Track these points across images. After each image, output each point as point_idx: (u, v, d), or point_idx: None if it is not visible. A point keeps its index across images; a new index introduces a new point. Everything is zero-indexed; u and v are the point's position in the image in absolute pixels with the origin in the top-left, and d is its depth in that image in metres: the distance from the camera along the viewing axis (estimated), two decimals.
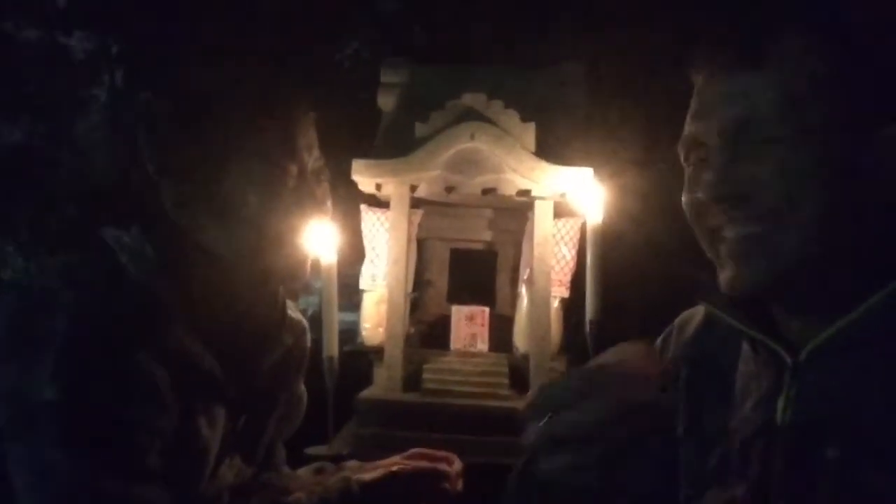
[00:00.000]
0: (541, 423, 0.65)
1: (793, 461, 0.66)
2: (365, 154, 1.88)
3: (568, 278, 1.96)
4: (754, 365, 0.74)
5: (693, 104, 0.73)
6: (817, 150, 0.65)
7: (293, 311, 1.15)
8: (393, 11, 5.41)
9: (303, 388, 1.19)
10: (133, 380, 0.88)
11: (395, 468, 1.12)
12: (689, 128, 0.73)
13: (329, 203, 1.05)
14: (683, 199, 0.75)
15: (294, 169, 0.98)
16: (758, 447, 0.70)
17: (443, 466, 1.16)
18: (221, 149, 0.97)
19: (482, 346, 1.98)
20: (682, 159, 0.76)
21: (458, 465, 1.19)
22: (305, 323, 1.18)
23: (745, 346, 0.76)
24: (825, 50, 0.66)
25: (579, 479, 0.65)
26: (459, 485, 1.17)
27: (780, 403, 0.69)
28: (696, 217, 0.72)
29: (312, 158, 1.01)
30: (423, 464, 1.16)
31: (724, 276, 0.70)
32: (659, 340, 0.88)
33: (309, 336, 1.18)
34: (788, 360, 0.68)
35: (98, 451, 0.85)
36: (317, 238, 1.06)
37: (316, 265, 1.19)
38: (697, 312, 0.85)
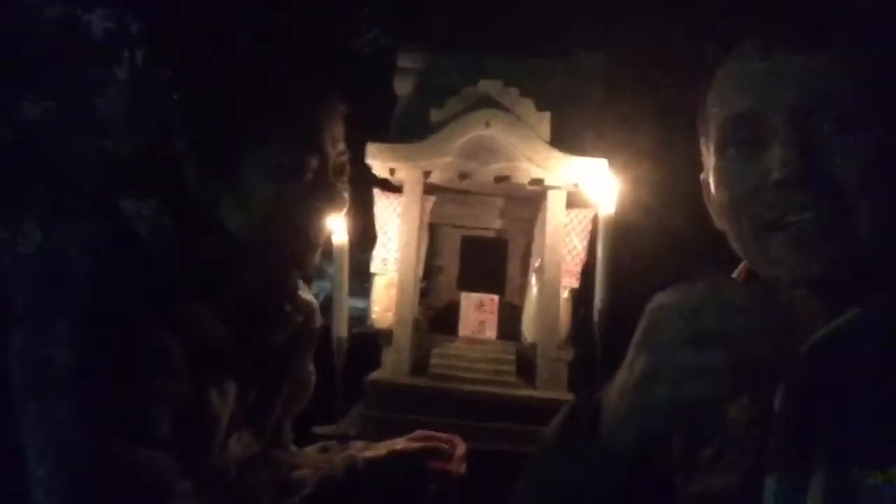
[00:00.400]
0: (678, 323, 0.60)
1: (788, 453, 0.66)
2: (380, 138, 1.88)
3: (578, 269, 1.96)
4: None
5: (736, 82, 0.70)
6: (889, 141, 0.63)
7: (304, 293, 1.17)
8: None
9: (311, 367, 1.20)
10: (147, 347, 0.89)
11: (398, 447, 1.14)
12: (736, 106, 0.70)
13: (346, 198, 1.06)
14: (721, 185, 0.72)
15: (314, 161, 0.98)
16: (754, 437, 0.70)
17: (446, 448, 1.18)
18: (247, 132, 0.98)
19: (490, 333, 1.99)
20: (718, 139, 0.72)
21: (461, 447, 1.20)
22: (316, 304, 1.19)
23: None
24: None
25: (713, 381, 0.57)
26: (462, 467, 1.18)
27: (779, 395, 0.69)
28: (743, 204, 0.69)
29: (336, 153, 1.02)
30: (427, 444, 1.18)
31: (790, 264, 0.66)
32: None
33: (319, 317, 1.19)
34: (783, 363, 0.68)
35: (110, 416, 0.86)
36: (330, 224, 1.07)
37: (328, 249, 1.20)
38: None
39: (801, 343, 0.65)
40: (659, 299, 0.62)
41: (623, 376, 0.65)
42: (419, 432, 1.22)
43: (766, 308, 0.58)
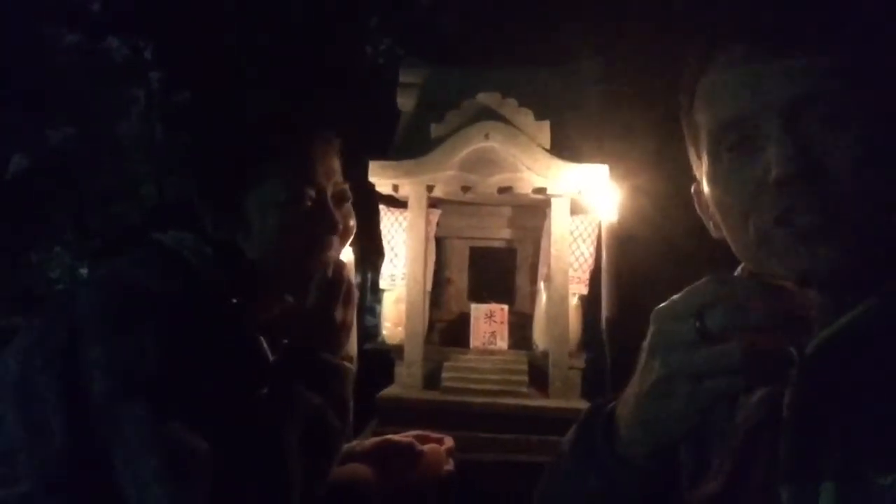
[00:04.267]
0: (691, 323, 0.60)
1: (797, 455, 0.66)
2: (383, 155, 1.90)
3: (587, 275, 1.96)
4: None
5: (722, 87, 0.71)
6: (880, 134, 0.64)
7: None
8: (425, 8, 5.44)
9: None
10: (212, 353, 0.99)
11: (389, 436, 1.18)
12: (725, 110, 0.70)
13: (352, 225, 1.13)
14: (721, 189, 0.72)
15: (311, 192, 1.07)
16: (764, 439, 0.70)
17: (435, 444, 1.21)
18: (246, 174, 1.09)
19: (502, 343, 1.99)
20: (710, 144, 0.73)
21: (448, 441, 1.26)
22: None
23: None
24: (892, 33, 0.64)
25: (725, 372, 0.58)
26: (450, 463, 1.25)
27: (787, 397, 0.69)
28: (748, 205, 0.69)
29: (332, 184, 1.10)
30: (418, 434, 1.25)
31: (798, 261, 0.67)
32: None
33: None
34: (795, 351, 0.68)
35: (190, 415, 0.94)
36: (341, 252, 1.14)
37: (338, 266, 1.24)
38: None
39: (808, 340, 0.65)
40: (664, 304, 0.63)
41: (636, 383, 0.66)
42: (412, 432, 1.28)
43: (771, 304, 0.58)
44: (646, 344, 0.64)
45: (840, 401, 0.64)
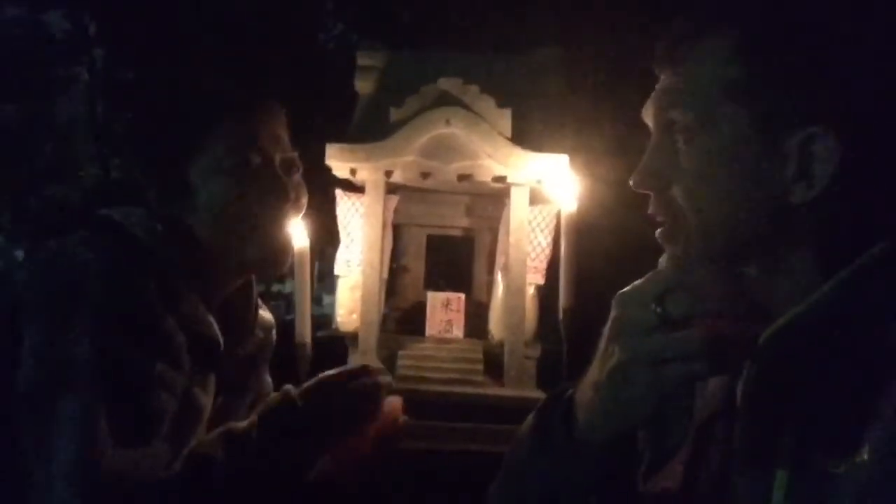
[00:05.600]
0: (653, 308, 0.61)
1: (751, 443, 0.67)
2: (340, 138, 1.86)
3: (544, 265, 1.96)
4: None
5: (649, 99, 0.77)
6: (726, 149, 0.67)
7: (264, 311, 1.23)
8: None
9: (269, 379, 1.25)
10: (161, 342, 0.94)
11: (328, 373, 1.13)
12: (647, 122, 0.76)
13: (304, 194, 1.09)
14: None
15: (256, 158, 1.03)
16: (720, 428, 0.71)
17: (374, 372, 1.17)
18: (188, 143, 1.04)
19: (458, 332, 1.98)
20: None
21: (386, 378, 1.17)
22: (273, 321, 1.25)
23: None
24: (738, 54, 0.68)
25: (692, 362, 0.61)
26: (387, 398, 1.16)
27: (740, 387, 0.70)
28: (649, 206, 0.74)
29: (280, 150, 1.06)
30: (354, 368, 1.17)
31: (664, 259, 0.73)
32: None
33: (275, 334, 1.24)
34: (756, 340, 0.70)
35: (125, 409, 0.88)
36: (291, 227, 1.09)
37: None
38: None
39: (764, 328, 0.67)
40: (625, 290, 0.65)
41: (596, 370, 0.67)
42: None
43: (732, 291, 0.62)
44: (606, 329, 0.66)
45: (793, 389, 0.66)
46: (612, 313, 0.65)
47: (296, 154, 1.12)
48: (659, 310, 0.61)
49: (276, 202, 1.06)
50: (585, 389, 0.69)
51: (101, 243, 0.98)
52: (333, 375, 1.12)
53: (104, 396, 0.87)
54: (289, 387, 1.10)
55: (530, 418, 0.79)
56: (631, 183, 0.72)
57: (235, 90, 1.09)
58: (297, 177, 1.11)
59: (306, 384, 1.12)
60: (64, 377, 0.87)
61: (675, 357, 0.60)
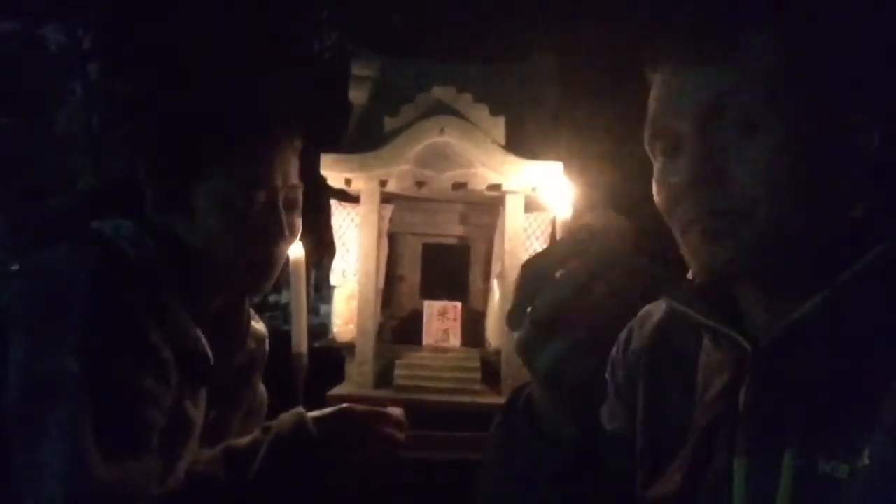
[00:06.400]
0: (526, 314, 0.61)
1: (754, 449, 0.67)
2: (335, 148, 1.86)
3: None
4: (717, 356, 0.75)
5: (658, 96, 0.73)
6: (791, 138, 0.65)
7: (256, 322, 1.22)
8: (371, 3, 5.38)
9: (263, 389, 1.24)
10: (148, 357, 0.93)
11: (346, 406, 1.13)
12: (657, 119, 0.73)
13: (298, 230, 1.09)
14: (655, 192, 0.75)
15: (262, 195, 1.02)
16: (720, 436, 0.70)
17: (391, 414, 1.17)
18: (199, 163, 1.03)
19: (454, 341, 1.97)
20: (651, 152, 0.76)
21: (399, 412, 1.18)
22: (265, 332, 1.24)
23: (706, 339, 0.77)
24: (799, 41, 0.66)
25: (577, 363, 0.60)
26: (402, 433, 1.16)
27: (742, 393, 0.69)
28: (672, 207, 0.71)
29: (285, 187, 1.05)
30: (373, 409, 1.17)
31: (700, 260, 0.69)
32: (622, 336, 0.88)
33: (267, 344, 1.23)
34: (749, 349, 0.69)
35: (113, 424, 0.87)
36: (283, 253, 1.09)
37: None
38: (659, 307, 0.85)
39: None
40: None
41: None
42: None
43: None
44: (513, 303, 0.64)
45: (796, 394, 0.65)
46: (517, 283, 0.64)
47: (301, 188, 1.11)
48: (550, 253, 0.62)
49: (272, 239, 1.06)
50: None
51: (88, 257, 0.96)
52: (356, 412, 1.12)
53: (90, 411, 0.86)
54: (302, 411, 1.09)
55: (496, 418, 0.79)
56: (684, 183, 0.68)
57: (260, 115, 1.07)
58: (297, 211, 1.11)
59: (324, 411, 1.11)
60: (50, 392, 0.86)
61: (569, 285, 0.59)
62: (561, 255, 0.62)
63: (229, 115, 1.06)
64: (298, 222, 1.11)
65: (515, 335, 0.63)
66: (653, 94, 0.75)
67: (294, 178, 1.09)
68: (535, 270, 0.62)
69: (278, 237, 1.06)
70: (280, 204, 1.05)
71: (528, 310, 0.61)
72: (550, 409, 0.68)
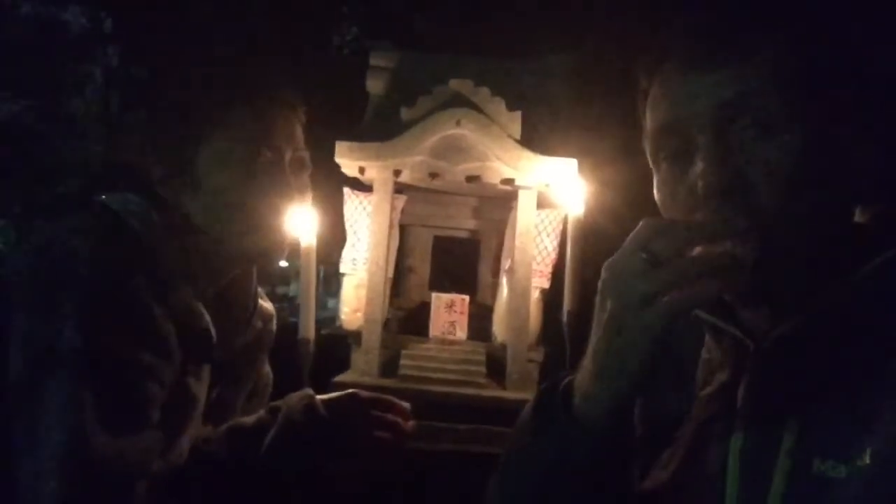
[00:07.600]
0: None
1: (750, 446, 0.67)
2: (350, 136, 1.86)
3: (549, 269, 1.96)
4: (718, 354, 0.75)
5: (661, 96, 0.73)
6: (806, 140, 0.65)
7: (264, 300, 1.23)
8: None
9: (268, 369, 1.24)
10: (148, 332, 0.93)
11: (357, 391, 1.15)
12: (661, 118, 0.72)
13: (308, 194, 1.09)
14: (660, 197, 0.74)
15: (267, 153, 1.03)
16: (717, 431, 0.71)
17: (397, 403, 1.18)
18: (201, 127, 1.03)
19: (461, 334, 1.98)
20: (652, 152, 0.75)
21: (405, 404, 1.22)
22: (273, 311, 1.25)
23: (708, 336, 0.77)
24: (815, 44, 0.66)
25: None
26: (410, 425, 1.21)
27: (742, 390, 0.70)
28: (686, 214, 0.70)
29: (292, 149, 1.05)
30: (382, 396, 1.21)
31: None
32: None
33: (275, 323, 1.25)
34: (752, 346, 0.70)
35: (112, 398, 0.88)
36: (296, 221, 1.09)
37: (296, 249, 1.21)
38: None
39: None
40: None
41: (591, 339, 0.67)
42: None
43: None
44: (598, 294, 0.66)
45: (795, 392, 0.66)
46: (603, 275, 0.65)
47: (307, 153, 1.11)
48: (645, 255, 0.61)
49: (279, 200, 1.05)
50: (582, 366, 0.69)
51: (92, 231, 0.97)
52: (364, 397, 1.13)
53: (90, 384, 0.86)
54: (311, 392, 1.10)
55: (529, 405, 0.79)
56: (710, 189, 0.67)
57: (257, 81, 1.07)
58: (305, 176, 1.11)
59: (334, 395, 1.12)
60: (50, 364, 0.86)
61: (665, 287, 0.60)
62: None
63: (227, 74, 1.07)
64: (307, 186, 1.11)
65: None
66: (654, 99, 0.74)
67: (300, 144, 1.09)
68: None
69: (285, 196, 1.05)
70: (286, 164, 1.05)
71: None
72: (598, 396, 0.67)
